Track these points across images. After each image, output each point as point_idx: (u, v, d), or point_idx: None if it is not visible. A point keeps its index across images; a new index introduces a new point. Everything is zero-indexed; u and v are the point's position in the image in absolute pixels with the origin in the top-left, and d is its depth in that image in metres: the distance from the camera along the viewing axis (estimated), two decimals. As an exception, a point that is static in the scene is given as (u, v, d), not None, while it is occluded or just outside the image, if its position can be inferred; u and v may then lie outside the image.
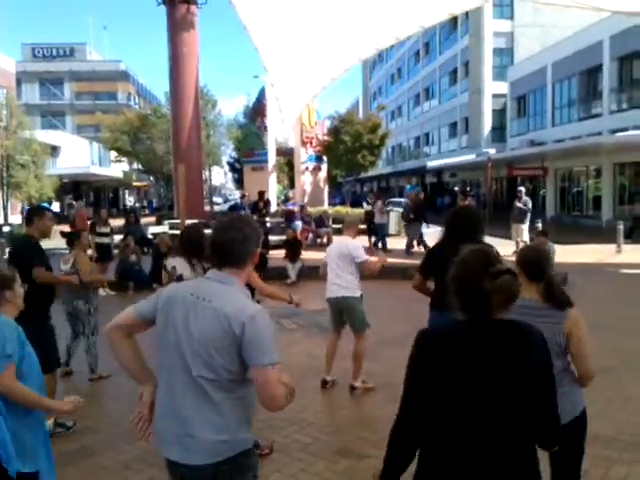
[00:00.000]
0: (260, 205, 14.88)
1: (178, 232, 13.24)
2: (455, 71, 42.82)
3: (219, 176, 75.13)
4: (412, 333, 2.09)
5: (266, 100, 24.47)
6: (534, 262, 2.91)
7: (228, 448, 2.13)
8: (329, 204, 26.60)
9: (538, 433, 1.93)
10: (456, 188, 41.55)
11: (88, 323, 6.10)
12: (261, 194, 15.32)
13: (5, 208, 21.74)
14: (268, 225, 15.55)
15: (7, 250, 5.15)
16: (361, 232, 6.73)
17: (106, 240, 11.98)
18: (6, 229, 19.57)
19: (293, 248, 12.65)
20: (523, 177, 30.86)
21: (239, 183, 41.86)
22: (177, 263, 5.25)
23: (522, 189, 15.44)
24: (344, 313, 5.75)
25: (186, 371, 2.13)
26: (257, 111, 25.55)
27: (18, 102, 25.63)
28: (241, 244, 2.21)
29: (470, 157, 33.39)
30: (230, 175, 60.43)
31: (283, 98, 22.58)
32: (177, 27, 17.14)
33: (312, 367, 6.19)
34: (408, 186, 42.91)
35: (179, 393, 2.16)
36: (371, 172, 39.47)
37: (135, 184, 50.59)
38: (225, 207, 34.72)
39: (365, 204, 17.46)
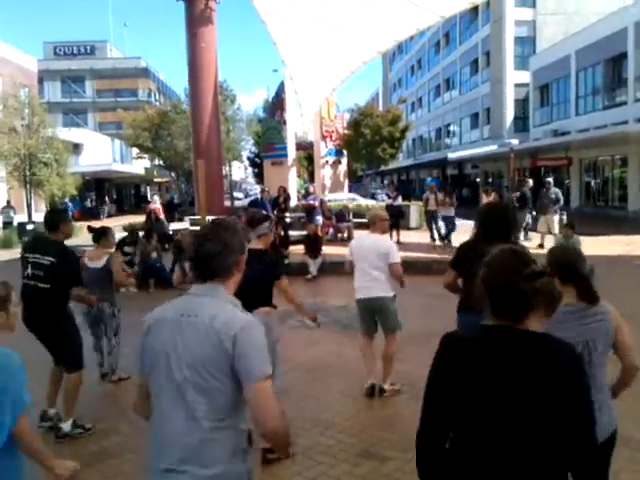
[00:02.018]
0: (280, 200, 14.80)
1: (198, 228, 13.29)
2: (476, 61, 42.26)
3: (239, 171, 75.35)
4: (438, 331, 2.05)
5: (285, 94, 24.41)
6: (569, 264, 2.75)
7: None
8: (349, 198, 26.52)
9: (569, 460, 1.76)
10: (478, 179, 41.09)
11: (110, 325, 6.11)
12: (282, 189, 15.26)
13: (29, 206, 21.95)
14: (288, 220, 15.48)
15: (28, 253, 5.07)
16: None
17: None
18: (30, 227, 19.79)
19: (314, 243, 12.56)
20: (547, 167, 30.39)
21: (259, 178, 41.91)
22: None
23: (550, 180, 14.99)
24: (377, 314, 5.52)
25: (176, 397, 1.98)
26: (276, 105, 25.50)
27: (40, 100, 25.84)
28: (221, 256, 2.07)
29: (492, 148, 32.96)
30: (250, 170, 60.54)
31: (302, 91, 22.50)
32: (195, 23, 17.12)
33: (333, 366, 6.11)
34: (429, 179, 42.56)
35: (168, 422, 2.00)
36: (391, 165, 39.24)
37: (156, 180, 50.95)
38: (246, 202, 34.80)
39: (386, 197, 17.23)
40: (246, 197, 53.30)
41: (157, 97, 58.66)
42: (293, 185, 24.65)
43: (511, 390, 1.74)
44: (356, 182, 45.21)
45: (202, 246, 2.08)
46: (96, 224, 6.81)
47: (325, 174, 26.53)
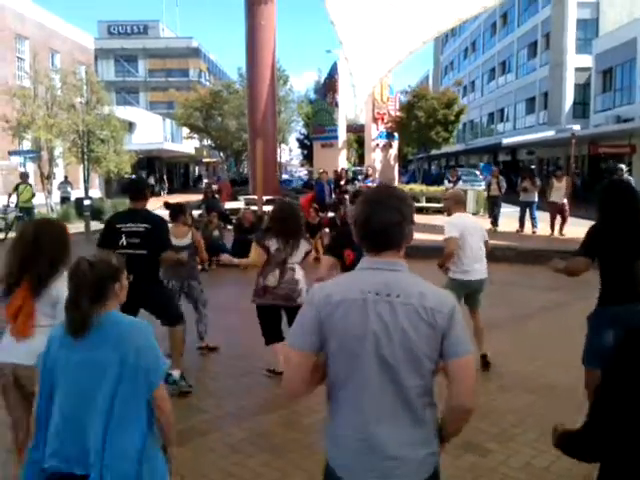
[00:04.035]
0: (342, 182, 14.60)
1: (255, 208, 13.13)
2: (535, 43, 40.85)
3: (284, 153, 75.40)
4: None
5: (338, 75, 24.10)
6: None
7: (434, 461, 1.93)
8: (399, 182, 26.09)
9: None
10: (533, 166, 39.92)
11: (201, 300, 6.25)
12: (343, 171, 15.07)
13: (86, 182, 22.30)
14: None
15: (108, 222, 5.22)
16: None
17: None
18: (87, 202, 20.09)
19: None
20: (607, 155, 29.27)
21: (308, 160, 41.72)
22: (274, 243, 5.17)
23: (622, 166, 14.29)
24: (475, 293, 5.69)
25: (386, 383, 1.86)
26: (328, 87, 25.20)
27: (97, 79, 26.17)
28: (401, 226, 1.93)
29: (550, 134, 31.90)
30: (296, 152, 60.47)
31: (357, 73, 22.11)
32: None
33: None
34: (481, 164, 41.59)
35: (371, 411, 1.87)
36: (442, 149, 38.42)
37: (205, 160, 51.35)
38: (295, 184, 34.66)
39: (446, 182, 16.80)
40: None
41: (207, 77, 58.94)
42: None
43: None
44: (403, 167, 44.43)
45: (377, 214, 1.91)
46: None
47: (376, 157, 26.12)
